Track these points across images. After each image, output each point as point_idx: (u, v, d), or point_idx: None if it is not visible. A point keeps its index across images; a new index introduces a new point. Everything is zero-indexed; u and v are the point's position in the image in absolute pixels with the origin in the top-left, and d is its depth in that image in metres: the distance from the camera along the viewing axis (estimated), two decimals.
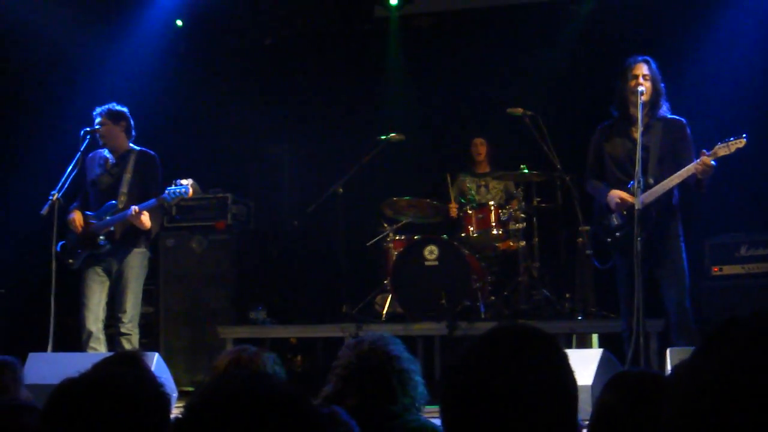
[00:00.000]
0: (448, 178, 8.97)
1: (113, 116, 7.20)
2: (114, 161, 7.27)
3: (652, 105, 6.17)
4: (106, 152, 7.30)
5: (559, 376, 1.94)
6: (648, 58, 6.24)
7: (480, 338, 2.00)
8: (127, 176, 7.17)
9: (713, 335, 1.44)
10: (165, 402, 2.22)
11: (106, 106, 7.22)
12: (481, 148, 9.04)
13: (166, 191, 6.92)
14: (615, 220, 6.21)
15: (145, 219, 6.98)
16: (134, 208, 6.92)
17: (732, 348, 1.38)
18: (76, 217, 7.13)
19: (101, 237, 7.06)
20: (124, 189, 7.14)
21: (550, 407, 1.87)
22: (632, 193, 5.97)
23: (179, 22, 10.12)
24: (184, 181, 6.93)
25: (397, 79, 10.18)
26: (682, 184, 6.07)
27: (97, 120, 7.18)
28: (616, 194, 6.17)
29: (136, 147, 7.32)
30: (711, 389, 1.34)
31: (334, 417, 2.59)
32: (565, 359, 1.97)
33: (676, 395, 1.41)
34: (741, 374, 1.33)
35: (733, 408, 1.31)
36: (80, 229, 7.11)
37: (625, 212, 6.11)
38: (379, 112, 9.97)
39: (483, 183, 9.00)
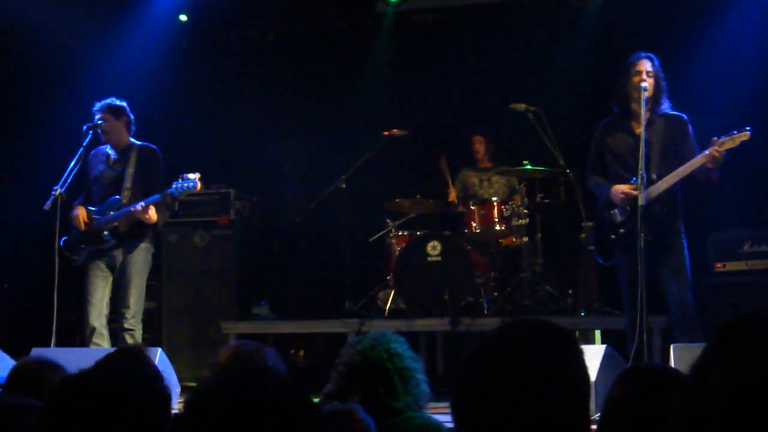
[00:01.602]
0: (442, 160, 8.95)
1: (114, 111, 7.19)
2: (116, 156, 7.26)
3: (654, 101, 6.16)
4: (107, 148, 7.30)
5: (573, 370, 1.93)
6: (651, 55, 6.22)
7: (494, 332, 1.99)
8: (130, 171, 7.16)
9: (723, 333, 1.44)
10: (167, 398, 2.22)
11: (106, 102, 7.20)
12: (479, 146, 9.05)
13: (174, 186, 6.90)
14: (618, 217, 6.20)
15: (152, 213, 6.97)
16: (141, 203, 6.91)
17: (742, 346, 1.37)
18: (80, 213, 7.12)
19: (105, 232, 7.05)
20: (127, 184, 7.14)
21: (564, 402, 1.87)
22: (635, 189, 5.96)
23: (183, 17, 10.11)
24: (191, 175, 6.92)
25: (399, 75, 10.16)
26: (689, 179, 6.05)
27: (98, 116, 7.16)
28: (620, 188, 6.16)
29: (137, 142, 7.31)
30: (722, 387, 1.34)
31: (351, 415, 2.59)
32: (580, 354, 1.96)
33: (687, 393, 1.41)
34: (752, 372, 1.32)
35: (745, 406, 1.30)
36: (83, 225, 7.10)
37: (629, 207, 6.10)
38: (382, 107, 9.95)
39: (485, 178, 9.00)
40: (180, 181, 6.90)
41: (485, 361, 1.93)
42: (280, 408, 1.64)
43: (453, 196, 8.83)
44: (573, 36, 9.39)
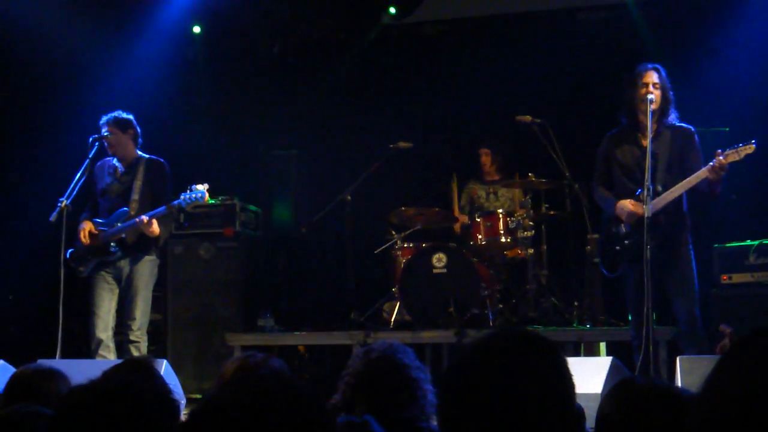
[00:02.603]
0: (454, 180, 8.97)
1: (120, 124, 7.20)
2: (123, 169, 7.27)
3: (661, 113, 6.16)
4: (114, 161, 7.31)
5: (555, 379, 1.94)
6: (658, 66, 6.22)
7: (475, 344, 2.01)
8: (138, 183, 7.17)
9: (738, 346, 1.44)
10: (175, 410, 2.22)
11: (112, 115, 7.21)
12: (485, 158, 9.07)
13: (181, 197, 6.91)
14: (623, 228, 6.20)
15: (155, 227, 6.97)
16: (143, 217, 6.91)
17: (757, 358, 1.37)
18: (86, 226, 7.14)
19: (113, 244, 7.06)
20: (135, 196, 7.14)
21: (547, 411, 1.88)
22: (641, 201, 5.95)
23: (197, 29, 10.15)
24: (199, 186, 6.93)
25: (405, 87, 10.18)
26: (693, 191, 6.05)
27: (105, 129, 7.17)
28: (625, 205, 6.15)
29: (144, 155, 7.33)
30: (738, 401, 1.33)
31: (365, 427, 2.58)
32: (563, 363, 1.97)
33: (701, 405, 1.40)
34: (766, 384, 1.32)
35: (760, 418, 1.30)
36: (86, 240, 7.10)
37: (633, 222, 6.09)
38: (388, 119, 9.97)
39: (492, 191, 9.01)
40: (188, 192, 6.91)
41: (468, 372, 1.94)
42: (294, 417, 1.64)
43: (456, 212, 8.86)
44: (579, 48, 9.41)
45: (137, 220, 6.94)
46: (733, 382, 1.38)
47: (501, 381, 1.88)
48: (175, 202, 6.93)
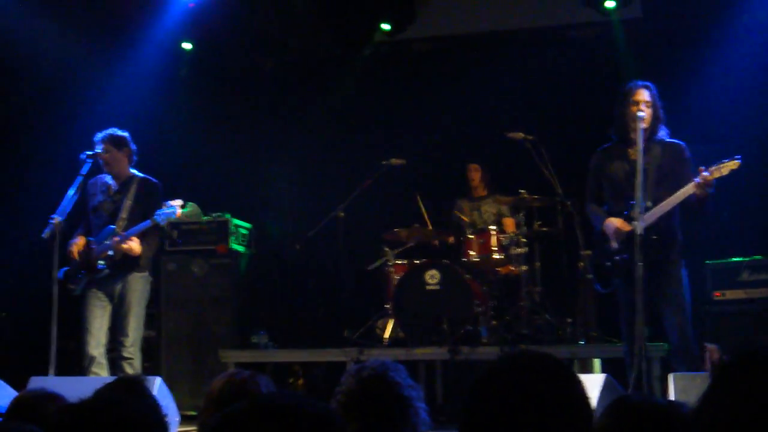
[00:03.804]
0: (418, 199, 8.97)
1: (116, 142, 7.21)
2: (116, 188, 7.27)
3: (652, 130, 6.18)
4: (108, 178, 7.31)
5: (575, 401, 1.96)
6: (649, 84, 6.25)
7: (495, 364, 2.02)
8: (128, 202, 7.17)
9: (732, 365, 1.45)
10: (164, 428, 2.23)
11: (108, 132, 7.21)
12: (474, 174, 9.11)
13: (156, 213, 6.92)
14: (614, 244, 6.21)
15: (133, 244, 6.97)
16: (115, 238, 6.94)
17: (751, 378, 1.38)
18: (78, 242, 7.15)
19: (100, 261, 7.06)
20: (123, 214, 7.14)
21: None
22: (630, 218, 5.96)
23: (187, 46, 10.16)
24: (172, 202, 6.95)
25: (398, 104, 10.20)
26: (684, 207, 6.06)
27: (100, 146, 7.18)
28: (613, 222, 6.17)
29: (139, 174, 7.33)
30: (731, 419, 1.34)
31: None
32: (580, 385, 2.00)
33: (697, 424, 1.41)
34: (761, 404, 1.33)
35: None
36: (76, 256, 7.11)
37: (623, 238, 6.10)
38: (380, 136, 9.99)
39: (476, 207, 9.04)
40: (163, 208, 6.93)
41: (489, 393, 1.95)
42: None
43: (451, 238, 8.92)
44: (570, 65, 9.44)
45: (114, 239, 6.95)
46: (728, 401, 1.39)
47: (521, 402, 1.90)
48: (148, 221, 6.94)
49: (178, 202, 6.96)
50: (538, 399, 1.91)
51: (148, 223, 6.96)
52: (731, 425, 1.36)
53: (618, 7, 9.20)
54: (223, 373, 3.49)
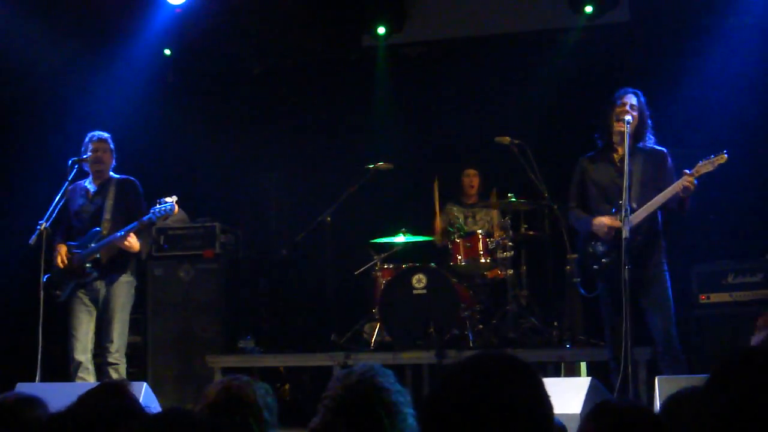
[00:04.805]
0: (435, 186, 8.96)
1: (109, 142, 7.26)
2: (95, 189, 7.28)
3: (637, 136, 6.23)
4: (86, 183, 7.32)
5: (533, 401, 1.97)
6: (637, 91, 6.30)
7: (455, 367, 2.04)
8: (110, 203, 7.17)
9: (725, 367, 1.46)
10: None
11: (98, 133, 7.25)
12: (474, 179, 9.08)
13: (151, 211, 6.91)
14: (600, 248, 6.23)
15: (133, 241, 6.98)
16: (121, 232, 6.92)
17: (745, 379, 1.39)
18: (61, 250, 7.13)
19: (88, 265, 7.05)
20: (107, 215, 7.14)
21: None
22: (617, 220, 6.01)
23: (167, 51, 10.14)
24: (168, 199, 6.94)
25: (385, 108, 10.20)
26: (665, 210, 6.11)
27: (95, 146, 7.20)
28: (602, 221, 6.20)
29: (115, 175, 7.35)
30: (725, 421, 1.35)
31: None
32: (540, 385, 2.01)
33: (690, 426, 1.42)
34: (755, 405, 1.34)
35: None
36: (62, 264, 7.09)
37: (612, 238, 6.13)
38: (367, 141, 9.99)
39: (470, 214, 9.03)
40: (157, 205, 6.92)
41: (448, 395, 1.97)
42: None
43: (438, 224, 8.88)
44: (558, 70, 9.46)
45: (115, 236, 6.93)
46: (719, 404, 1.40)
47: (481, 404, 1.91)
48: (146, 217, 6.94)
49: (173, 198, 6.95)
50: (497, 400, 1.93)
51: (136, 224, 6.96)
52: (729, 424, 1.38)
53: (596, 11, 9.24)
54: (220, 379, 3.47)
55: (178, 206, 7.03)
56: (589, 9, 9.23)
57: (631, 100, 6.24)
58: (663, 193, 6.02)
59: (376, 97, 10.29)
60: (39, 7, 9.04)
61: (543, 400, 2.01)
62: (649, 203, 6.05)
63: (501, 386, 1.96)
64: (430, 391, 2.06)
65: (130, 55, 9.61)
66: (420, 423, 2.02)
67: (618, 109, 6.20)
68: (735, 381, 1.43)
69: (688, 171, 5.90)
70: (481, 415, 1.90)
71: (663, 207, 6.09)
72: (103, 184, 7.28)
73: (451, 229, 8.73)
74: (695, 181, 5.87)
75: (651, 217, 6.10)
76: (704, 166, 5.88)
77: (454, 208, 9.09)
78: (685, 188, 5.89)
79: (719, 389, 1.45)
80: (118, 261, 7.11)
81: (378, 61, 10.17)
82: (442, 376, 2.06)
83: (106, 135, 7.30)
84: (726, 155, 5.85)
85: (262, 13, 9.87)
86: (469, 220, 9.00)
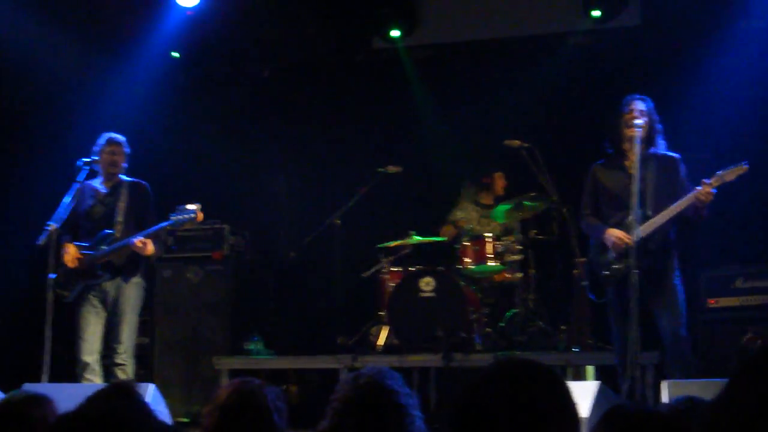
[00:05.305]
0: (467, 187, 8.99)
1: (124, 144, 7.26)
2: (106, 191, 7.27)
3: (648, 141, 6.20)
4: (96, 183, 7.30)
5: (563, 408, 1.97)
6: (645, 98, 6.28)
7: (485, 372, 2.03)
8: (122, 205, 7.16)
9: (749, 364, 1.45)
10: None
11: (114, 135, 7.25)
12: (500, 181, 9.02)
13: (172, 218, 6.90)
14: (611, 254, 6.21)
15: (150, 246, 6.97)
16: (140, 237, 6.90)
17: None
18: (70, 250, 7.10)
19: (99, 267, 7.04)
20: (119, 218, 7.13)
21: None
22: (629, 228, 5.97)
23: (175, 54, 10.16)
24: (190, 206, 6.92)
25: (393, 111, 10.20)
26: (679, 217, 6.08)
27: (111, 148, 7.20)
28: (614, 234, 6.15)
29: (126, 178, 7.33)
30: (750, 418, 1.34)
31: None
32: (569, 392, 2.01)
33: (713, 423, 1.42)
34: None
35: None
36: (73, 263, 7.08)
37: (623, 248, 6.10)
38: (377, 144, 9.99)
39: (485, 215, 8.95)
40: (178, 213, 6.90)
41: (477, 401, 1.96)
42: None
43: (449, 228, 8.87)
44: (568, 73, 9.44)
45: (131, 242, 6.91)
46: (743, 401, 1.39)
47: (512, 411, 1.92)
48: (167, 223, 6.92)
49: (196, 206, 6.93)
50: (527, 406, 1.93)
51: (165, 225, 6.95)
52: (751, 421, 1.37)
53: (606, 15, 9.23)
54: (231, 381, 3.46)
55: (202, 213, 7.00)
56: (596, 13, 9.21)
57: (639, 105, 6.21)
58: (679, 202, 5.99)
59: (386, 99, 10.25)
60: (52, 11, 9.06)
61: (571, 407, 2.02)
62: (665, 212, 6.02)
63: (531, 393, 1.97)
64: (459, 397, 2.06)
65: (141, 57, 9.63)
66: (450, 430, 2.02)
67: (627, 116, 6.17)
68: (762, 380, 1.43)
69: (706, 180, 5.87)
70: (512, 422, 1.90)
71: (679, 215, 6.05)
72: (115, 187, 7.27)
73: (462, 228, 8.70)
74: (713, 191, 5.85)
75: (664, 227, 6.07)
76: (727, 175, 5.86)
77: (472, 208, 9.03)
78: (704, 198, 5.86)
79: (743, 389, 1.45)
80: (130, 263, 7.10)
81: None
82: (470, 383, 2.06)
83: (122, 138, 7.30)
84: (746, 165, 5.84)
85: (272, 16, 9.89)
86: (483, 220, 8.94)
